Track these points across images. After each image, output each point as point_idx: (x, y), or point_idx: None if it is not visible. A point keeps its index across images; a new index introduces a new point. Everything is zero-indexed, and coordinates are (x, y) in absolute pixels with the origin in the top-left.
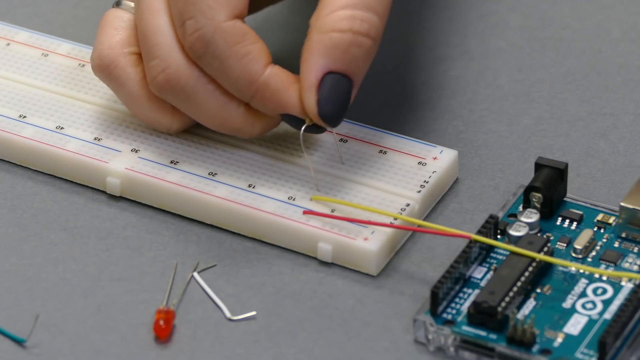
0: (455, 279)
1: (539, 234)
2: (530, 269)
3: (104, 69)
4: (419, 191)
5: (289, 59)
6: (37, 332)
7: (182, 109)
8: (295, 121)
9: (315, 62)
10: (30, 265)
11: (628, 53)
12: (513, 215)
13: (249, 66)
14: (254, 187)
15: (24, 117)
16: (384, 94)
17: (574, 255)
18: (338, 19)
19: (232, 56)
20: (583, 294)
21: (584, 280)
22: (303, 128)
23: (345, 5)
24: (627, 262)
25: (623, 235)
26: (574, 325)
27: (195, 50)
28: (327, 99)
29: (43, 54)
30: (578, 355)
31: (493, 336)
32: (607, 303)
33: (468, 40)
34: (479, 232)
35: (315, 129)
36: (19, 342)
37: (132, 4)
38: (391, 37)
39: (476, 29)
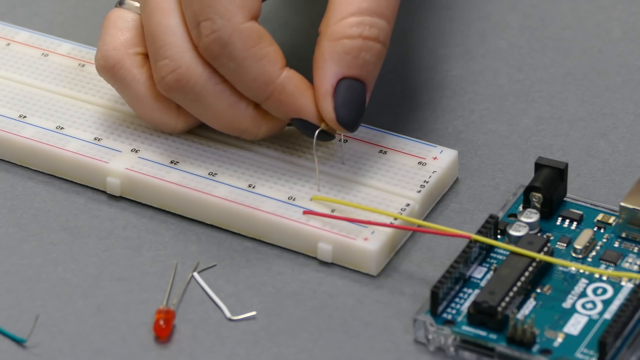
0: (455, 279)
1: (539, 234)
2: (530, 269)
3: (109, 70)
4: (419, 191)
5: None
6: (37, 332)
7: (189, 109)
8: (307, 127)
9: (329, 69)
10: (30, 265)
11: (628, 53)
12: (513, 215)
13: (266, 68)
14: (254, 187)
15: (24, 117)
16: (384, 94)
17: (574, 255)
18: (347, 25)
19: (250, 58)
20: (583, 294)
21: (584, 280)
22: (317, 132)
23: (353, 12)
24: (627, 262)
25: (623, 235)
26: (574, 325)
27: (211, 52)
28: (343, 105)
29: (43, 54)
30: (578, 355)
31: (493, 336)
32: (607, 303)
33: (469, 40)
34: (479, 232)
35: (326, 136)
36: (19, 342)
37: (136, 4)
38: (391, 37)
39: (477, 28)
